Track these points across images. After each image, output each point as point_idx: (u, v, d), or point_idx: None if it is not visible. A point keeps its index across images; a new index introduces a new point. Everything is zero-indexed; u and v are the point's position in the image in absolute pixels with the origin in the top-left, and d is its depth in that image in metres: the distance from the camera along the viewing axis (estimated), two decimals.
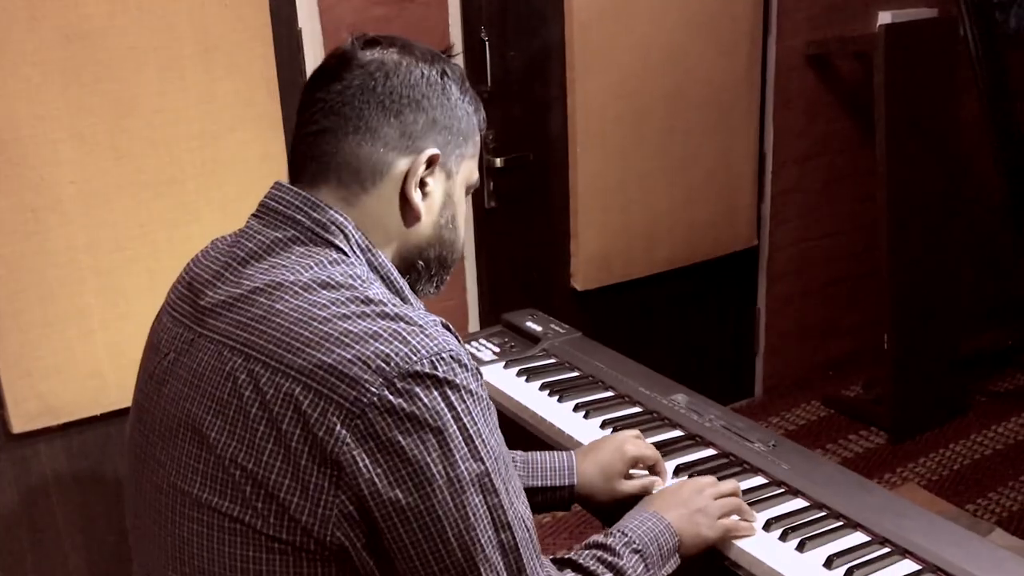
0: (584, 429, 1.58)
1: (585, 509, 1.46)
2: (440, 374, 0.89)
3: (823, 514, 1.31)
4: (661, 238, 3.14)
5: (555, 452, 1.42)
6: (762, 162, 3.37)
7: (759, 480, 1.40)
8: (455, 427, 0.89)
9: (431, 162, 1.04)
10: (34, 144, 2.03)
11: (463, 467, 0.89)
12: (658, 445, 1.46)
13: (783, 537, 1.25)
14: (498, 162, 2.74)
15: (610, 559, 1.11)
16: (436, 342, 0.91)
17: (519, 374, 1.79)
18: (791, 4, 3.26)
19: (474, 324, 2.85)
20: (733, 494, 1.30)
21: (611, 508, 1.36)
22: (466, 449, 0.90)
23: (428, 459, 0.88)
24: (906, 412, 3.32)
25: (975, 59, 3.13)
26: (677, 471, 1.43)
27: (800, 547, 1.23)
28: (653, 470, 1.40)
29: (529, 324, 2.00)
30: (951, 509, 2.86)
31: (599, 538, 1.16)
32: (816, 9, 3.32)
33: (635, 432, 1.45)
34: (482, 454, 0.91)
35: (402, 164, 1.03)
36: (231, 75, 2.21)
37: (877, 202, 3.17)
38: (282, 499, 0.89)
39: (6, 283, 2.06)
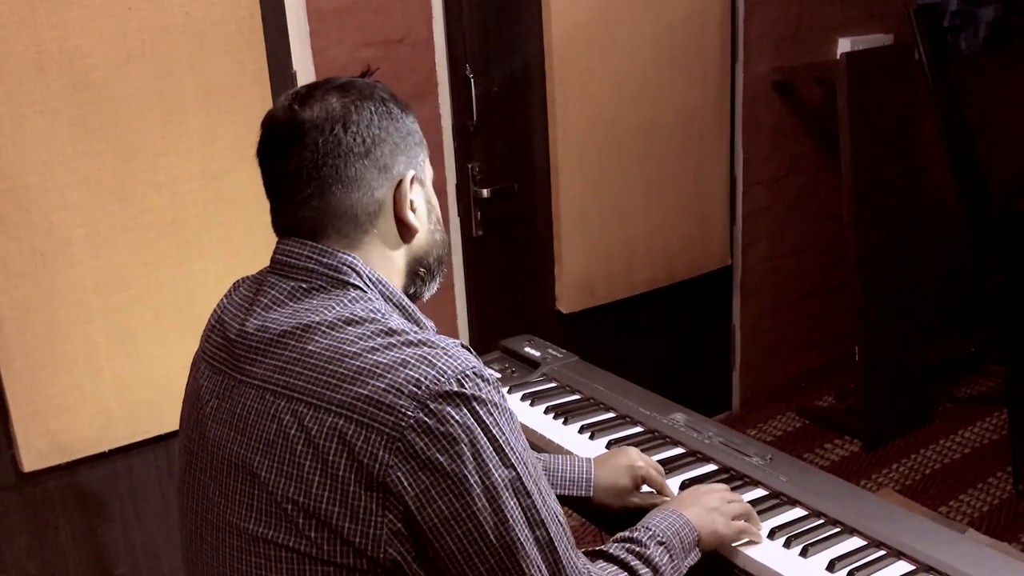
0: (591, 450, 1.66)
1: (589, 519, 1.55)
2: (467, 391, 0.97)
3: (821, 521, 1.41)
4: (640, 261, 3.25)
5: (575, 459, 1.50)
6: (733, 185, 3.51)
7: (760, 492, 1.50)
8: (485, 439, 0.97)
9: (412, 181, 1.12)
10: (43, 190, 2.09)
11: (496, 475, 0.97)
12: (662, 462, 1.56)
13: (787, 544, 1.35)
14: (485, 193, 2.84)
15: (639, 550, 1.20)
16: (459, 361, 0.99)
17: (523, 398, 1.88)
18: (756, 33, 3.41)
19: None
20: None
21: (621, 520, 1.45)
22: (497, 458, 0.98)
23: (465, 471, 0.95)
24: (878, 420, 3.46)
25: (930, 81, 3.29)
26: (682, 487, 1.52)
27: (803, 553, 1.33)
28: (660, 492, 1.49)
29: (528, 349, 2.09)
30: (925, 513, 2.98)
31: (626, 533, 1.24)
32: (779, 38, 3.48)
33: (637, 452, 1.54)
34: (512, 460, 0.99)
35: (388, 195, 1.11)
36: (231, 117, 2.29)
37: (844, 219, 3.32)
38: (334, 526, 0.96)
39: (16, 324, 2.11)
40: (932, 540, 1.33)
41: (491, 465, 0.97)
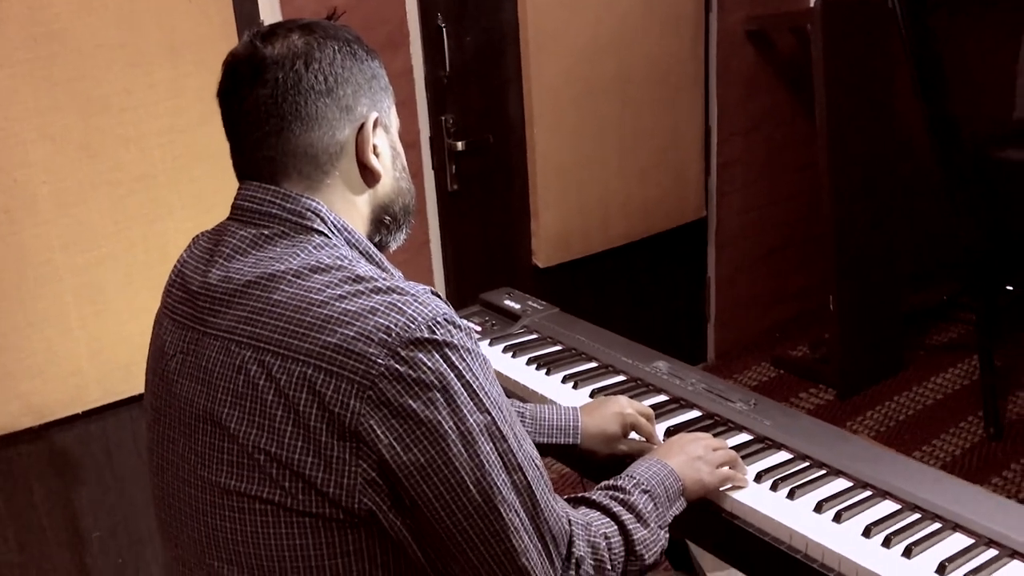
0: (575, 400, 1.66)
1: (574, 468, 1.54)
2: (439, 337, 0.95)
3: (807, 464, 1.41)
4: (616, 214, 3.24)
5: (561, 408, 1.49)
6: (708, 136, 3.49)
7: (744, 437, 1.51)
8: (459, 384, 0.95)
9: (375, 124, 1.09)
10: (5, 146, 2.03)
11: (471, 420, 0.96)
12: None
13: (774, 487, 1.36)
14: (459, 146, 2.80)
15: (622, 496, 1.19)
16: (430, 308, 0.97)
17: (505, 350, 1.87)
18: None
19: None
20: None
21: (608, 466, 1.45)
22: (472, 403, 0.96)
23: (439, 417, 0.94)
24: (852, 369, 3.50)
25: (902, 28, 3.28)
26: (667, 434, 1.52)
27: (791, 495, 1.34)
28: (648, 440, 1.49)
29: (507, 302, 2.07)
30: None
31: (610, 481, 1.24)
32: None
33: (627, 399, 1.53)
34: (487, 405, 0.98)
35: (350, 137, 1.08)
36: (197, 70, 2.23)
37: (819, 170, 3.32)
38: (307, 476, 0.94)
39: None
40: (916, 479, 1.35)
41: (465, 411, 0.95)
